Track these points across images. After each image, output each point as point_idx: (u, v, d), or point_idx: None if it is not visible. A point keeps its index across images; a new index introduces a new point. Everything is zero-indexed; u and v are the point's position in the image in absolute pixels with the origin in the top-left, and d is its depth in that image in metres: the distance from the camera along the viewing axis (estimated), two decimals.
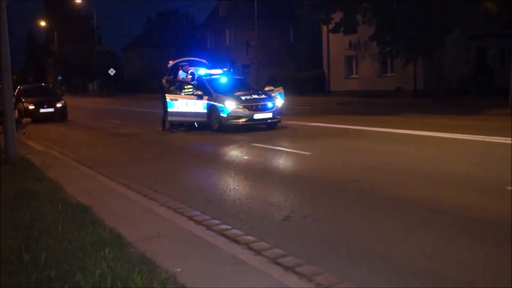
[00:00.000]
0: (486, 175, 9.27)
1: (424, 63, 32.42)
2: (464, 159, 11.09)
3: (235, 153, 14.08)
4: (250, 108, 18.12)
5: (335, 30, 32.13)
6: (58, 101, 28.22)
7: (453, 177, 9.27)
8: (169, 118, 19.35)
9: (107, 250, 5.23)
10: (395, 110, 24.62)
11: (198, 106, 18.74)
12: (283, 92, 19.62)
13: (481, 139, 13.48)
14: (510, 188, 7.96)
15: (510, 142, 12.36)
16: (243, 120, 18.06)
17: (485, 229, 6.26)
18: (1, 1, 11.91)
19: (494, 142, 12.84)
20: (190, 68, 20.63)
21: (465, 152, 11.99)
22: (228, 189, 9.31)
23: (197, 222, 6.74)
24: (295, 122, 20.26)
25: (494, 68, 33.59)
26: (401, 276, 5.00)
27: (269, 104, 18.43)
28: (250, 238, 6.00)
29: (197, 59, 22.91)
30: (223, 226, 6.49)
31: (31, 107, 26.82)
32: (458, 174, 9.49)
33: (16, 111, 15.18)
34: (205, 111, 18.63)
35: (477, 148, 12.49)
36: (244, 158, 12.96)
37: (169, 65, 21.39)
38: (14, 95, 17.33)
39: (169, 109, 19.00)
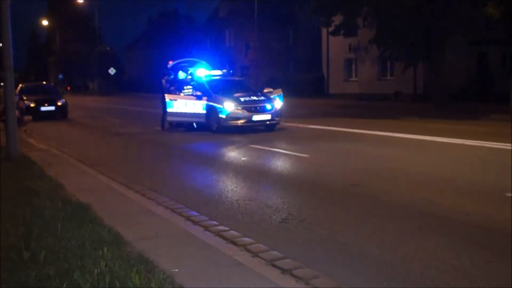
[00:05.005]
0: (485, 181, 9.29)
1: (424, 67, 32.48)
2: (464, 165, 11.10)
3: (233, 154, 14.12)
4: (249, 109, 18.17)
5: (335, 33, 32.21)
6: (59, 99, 28.33)
7: (452, 182, 9.28)
8: (168, 118, 19.43)
9: (105, 249, 5.27)
10: (394, 114, 24.65)
11: (197, 106, 18.79)
12: (282, 94, 19.66)
13: (480, 144, 13.51)
14: (510, 194, 7.95)
15: (510, 148, 12.36)
16: (242, 121, 18.11)
17: (484, 235, 6.27)
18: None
19: (494, 148, 12.87)
20: (189, 68, 20.67)
21: (465, 158, 12.02)
22: (226, 190, 9.35)
23: (195, 223, 6.79)
24: (294, 124, 20.30)
25: (494, 73, 33.62)
26: (399, 281, 5.03)
27: (268, 106, 18.49)
28: (247, 240, 6.04)
29: (197, 60, 22.95)
30: (221, 227, 6.53)
31: (32, 105, 26.92)
32: (457, 179, 9.50)
33: (18, 109, 15.20)
34: (204, 111, 18.67)
35: (477, 153, 12.52)
36: (242, 160, 12.99)
37: (169, 65, 21.40)
38: (16, 93, 17.37)
39: (168, 109, 19.08)
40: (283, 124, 19.43)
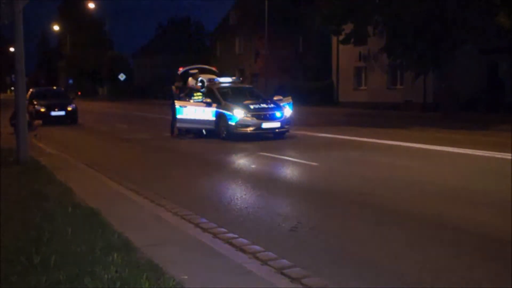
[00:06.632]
0: (495, 192, 9.21)
1: (435, 76, 32.39)
2: (474, 175, 11.05)
3: (242, 161, 14.13)
4: (258, 117, 18.16)
5: (345, 41, 32.18)
6: (69, 104, 28.50)
7: (461, 192, 9.24)
8: (178, 125, 19.49)
9: (115, 255, 5.28)
10: (404, 123, 24.60)
11: (206, 113, 18.82)
12: (291, 102, 19.65)
13: (491, 155, 13.40)
14: None
15: None
16: (251, 128, 18.10)
17: (495, 247, 6.23)
18: (18, 3, 12.02)
19: (505, 159, 12.75)
20: (200, 75, 20.72)
21: (475, 168, 11.95)
22: (235, 197, 9.35)
23: (204, 230, 6.78)
24: (303, 132, 20.28)
25: (505, 83, 33.46)
26: None
27: (278, 114, 18.47)
28: (256, 247, 6.04)
29: (207, 66, 23.02)
30: (230, 235, 6.53)
31: (43, 109, 27.11)
32: (468, 189, 9.47)
33: (28, 114, 15.26)
34: (214, 118, 18.70)
35: (487, 164, 12.44)
36: (251, 167, 13.00)
37: (179, 72, 21.48)
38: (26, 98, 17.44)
39: (178, 116, 19.13)
40: (292, 132, 19.41)
